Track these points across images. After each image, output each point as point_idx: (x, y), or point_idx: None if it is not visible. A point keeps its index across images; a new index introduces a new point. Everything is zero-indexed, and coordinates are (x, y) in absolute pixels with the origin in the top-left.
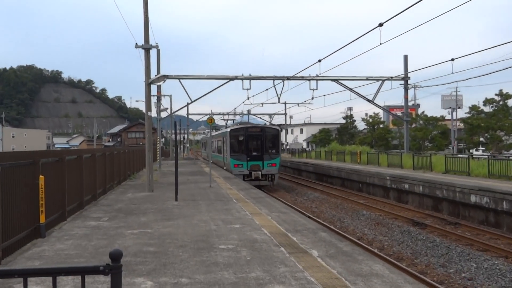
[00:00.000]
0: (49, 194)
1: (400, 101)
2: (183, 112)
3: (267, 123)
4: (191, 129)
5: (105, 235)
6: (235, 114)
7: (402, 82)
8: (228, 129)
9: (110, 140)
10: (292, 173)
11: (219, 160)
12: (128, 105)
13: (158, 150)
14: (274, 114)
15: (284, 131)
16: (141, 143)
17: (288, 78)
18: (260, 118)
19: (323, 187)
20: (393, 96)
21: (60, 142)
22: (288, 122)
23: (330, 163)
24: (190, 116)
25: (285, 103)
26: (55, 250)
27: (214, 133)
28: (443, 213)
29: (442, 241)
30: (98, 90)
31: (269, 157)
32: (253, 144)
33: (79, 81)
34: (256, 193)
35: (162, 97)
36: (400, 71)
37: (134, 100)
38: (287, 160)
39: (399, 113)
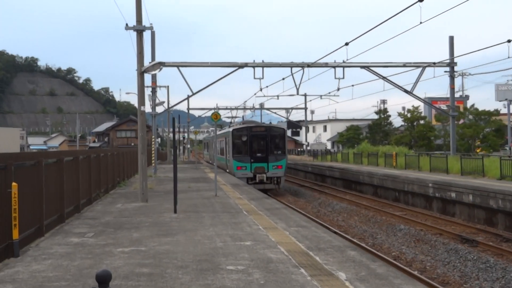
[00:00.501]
0: (23, 205)
1: (445, 92)
2: (183, 107)
3: (284, 120)
4: (192, 127)
5: (91, 253)
6: (245, 108)
7: (447, 69)
8: (231, 129)
9: (96, 140)
10: (314, 179)
11: (221, 163)
12: (117, 98)
13: (153, 152)
14: (292, 108)
15: (304, 128)
16: (132, 144)
17: (309, 65)
18: (276, 113)
19: (352, 196)
20: (436, 86)
21: (36, 143)
22: (308, 118)
23: (360, 167)
24: (191, 111)
25: (305, 95)
26: (31, 271)
27: (217, 132)
28: (498, 227)
29: (497, 261)
30: (81, 81)
31: (275, 159)
32: (258, 145)
33: (59, 69)
34: (271, 204)
35: (158, 89)
36: (444, 56)
37: (124, 92)
38: (308, 164)
39: (443, 107)
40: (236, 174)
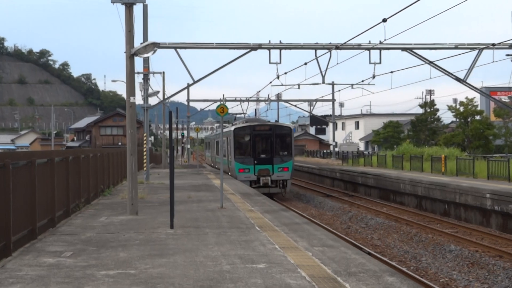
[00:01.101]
0: None
1: (506, 81)
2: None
3: (306, 114)
4: (194, 123)
5: (69, 277)
6: (258, 100)
7: (510, 51)
8: (232, 128)
9: (75, 138)
10: (343, 187)
11: (223, 165)
12: (101, 87)
13: (145, 153)
14: (316, 100)
15: (331, 125)
16: (120, 143)
17: (338, 47)
18: (296, 106)
19: (390, 208)
20: (495, 73)
21: (2, 142)
22: (337, 112)
23: (400, 173)
24: (192, 104)
25: (332, 84)
26: None
27: (218, 130)
28: None
29: None
30: (57, 66)
31: (280, 160)
32: (261, 145)
33: (30, 52)
34: (290, 217)
35: (151, 76)
36: (506, 36)
37: (110, 80)
38: (335, 169)
39: (505, 98)
40: (238, 177)
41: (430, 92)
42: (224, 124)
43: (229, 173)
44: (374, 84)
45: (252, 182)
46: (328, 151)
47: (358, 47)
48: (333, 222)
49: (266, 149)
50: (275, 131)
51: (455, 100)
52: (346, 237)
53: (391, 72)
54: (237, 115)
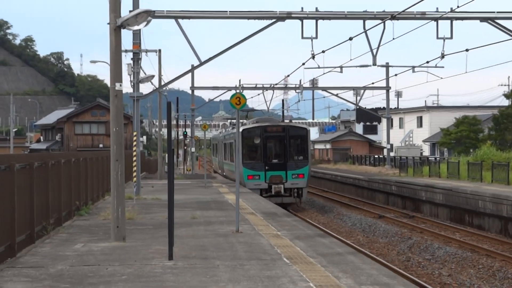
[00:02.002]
0: None
1: None
2: (184, 85)
3: (350, 107)
4: (200, 118)
5: None
6: (286, 88)
7: None
8: (240, 129)
9: (42, 138)
10: (401, 205)
11: (231, 171)
12: (76, 70)
13: (135, 158)
14: (365, 87)
15: (385, 121)
16: (101, 145)
17: (394, 16)
18: (337, 96)
19: (465, 234)
20: None
21: None
22: (393, 105)
23: (479, 187)
24: (198, 92)
25: (386, 66)
26: None
27: (225, 131)
28: None
29: None
30: (18, 42)
31: (295, 166)
32: (274, 149)
33: None
34: (329, 246)
35: (144, 55)
36: None
37: (87, 60)
38: (390, 181)
39: None
40: (246, 185)
41: None
42: (240, 121)
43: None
44: (443, 67)
45: (263, 191)
46: (381, 156)
47: (422, 16)
48: (387, 253)
49: (278, 153)
50: (289, 133)
51: None
52: (406, 272)
53: (466, 50)
54: (256, 109)
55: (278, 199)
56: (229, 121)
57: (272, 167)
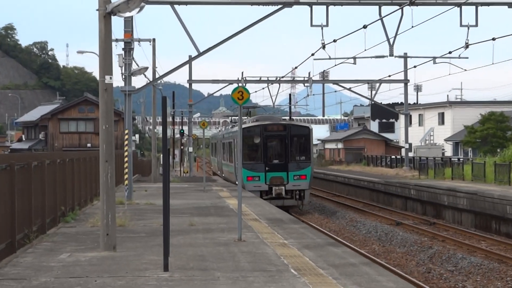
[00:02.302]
0: None
1: None
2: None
3: (365, 102)
4: (198, 115)
5: None
6: (293, 80)
7: None
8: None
9: (24, 137)
10: (421, 211)
11: (229, 172)
12: (62, 61)
13: (126, 159)
14: (381, 80)
15: (402, 118)
16: (89, 145)
17: (412, 2)
18: (350, 90)
19: (492, 243)
20: None
21: None
22: (411, 100)
23: (507, 190)
24: (196, 86)
25: (404, 57)
26: None
27: (225, 129)
28: None
29: None
30: None
31: (297, 167)
32: (274, 149)
33: None
34: (341, 256)
35: (137, 45)
36: None
37: (74, 51)
38: (409, 184)
39: None
40: (246, 187)
41: None
42: (244, 118)
43: (236, 182)
44: (467, 58)
45: (263, 193)
46: (398, 156)
47: (444, 1)
48: (405, 263)
49: (279, 153)
50: (291, 131)
51: None
52: (426, 285)
53: (493, 39)
54: (259, 106)
55: (279, 201)
56: (230, 118)
57: (273, 168)
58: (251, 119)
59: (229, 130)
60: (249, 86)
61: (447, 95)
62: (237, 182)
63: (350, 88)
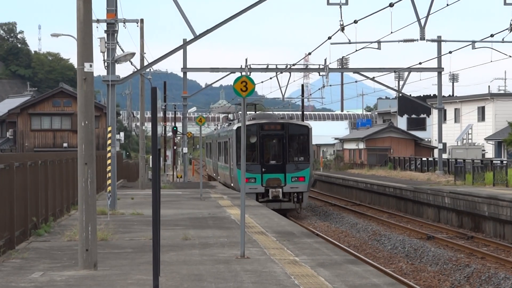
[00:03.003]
0: None
1: None
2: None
3: (391, 94)
4: (194, 109)
5: None
6: (306, 69)
7: None
8: (234, 127)
9: None
10: (457, 223)
11: (225, 173)
12: (34, 46)
13: (109, 162)
14: (410, 69)
15: (435, 113)
16: (65, 145)
17: None
18: (373, 79)
19: None
20: None
21: None
22: (446, 92)
23: None
24: (192, 75)
25: (438, 41)
26: None
27: (220, 128)
28: None
29: None
30: None
31: (295, 168)
32: (271, 149)
33: None
34: (362, 276)
35: (122, 26)
36: None
37: (48, 33)
38: (443, 191)
39: None
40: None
41: None
42: (249, 113)
43: (232, 184)
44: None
45: (259, 195)
46: (430, 159)
47: None
48: (438, 284)
49: (277, 153)
50: (289, 131)
51: None
52: None
53: None
54: (266, 97)
55: (275, 204)
56: (233, 114)
57: (270, 169)
58: (247, 117)
59: (225, 128)
60: (254, 75)
61: (488, 86)
62: (232, 185)
63: (373, 77)
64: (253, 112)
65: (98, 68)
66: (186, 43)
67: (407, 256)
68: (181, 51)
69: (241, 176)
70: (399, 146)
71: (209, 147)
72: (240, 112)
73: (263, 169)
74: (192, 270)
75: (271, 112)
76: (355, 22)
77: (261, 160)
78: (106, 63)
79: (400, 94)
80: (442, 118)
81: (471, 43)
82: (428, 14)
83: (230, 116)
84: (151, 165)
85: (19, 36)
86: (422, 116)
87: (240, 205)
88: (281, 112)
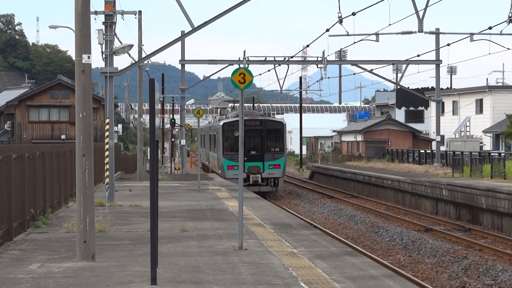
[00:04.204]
0: None
1: None
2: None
3: (389, 87)
4: (192, 101)
5: None
6: (304, 61)
7: None
8: (221, 123)
9: None
10: (455, 215)
11: (214, 162)
12: (32, 38)
13: (107, 154)
14: (408, 61)
15: (433, 106)
16: (63, 137)
17: None
18: (371, 72)
19: None
20: None
21: None
22: (444, 84)
23: None
24: (190, 68)
25: (436, 33)
26: None
27: (213, 122)
28: None
29: None
30: None
31: (272, 157)
32: (251, 141)
33: None
34: (360, 267)
35: (120, 18)
36: None
37: (46, 25)
38: (440, 184)
39: None
40: (226, 175)
41: None
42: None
43: (219, 172)
44: (510, 34)
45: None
46: (428, 151)
47: None
48: (436, 276)
49: (256, 145)
50: (266, 126)
51: None
52: None
53: None
54: (264, 89)
55: (255, 188)
56: (233, 105)
57: (250, 158)
58: (231, 114)
59: (213, 123)
60: (252, 68)
61: (487, 79)
62: (220, 171)
63: (371, 70)
64: (249, 105)
65: (96, 60)
66: (184, 35)
67: (405, 248)
68: (179, 43)
69: (239, 170)
70: (397, 138)
71: (203, 139)
72: (229, 109)
73: (245, 158)
74: (190, 262)
75: (252, 110)
76: (353, 14)
77: (243, 150)
78: (104, 55)
79: (398, 87)
80: (440, 110)
81: (469, 35)
82: (426, 6)
83: (226, 109)
84: (149, 157)
85: (17, 28)
86: (420, 108)
87: (238, 197)
88: (277, 105)
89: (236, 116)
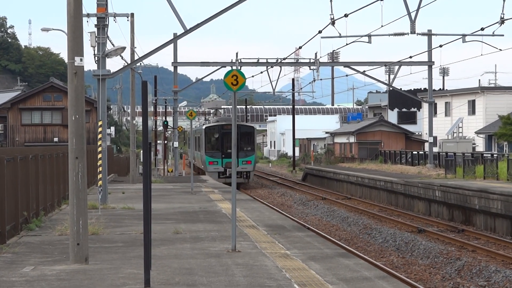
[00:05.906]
0: None
1: None
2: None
3: (382, 88)
4: (185, 103)
5: None
6: (297, 63)
7: None
8: (203, 127)
9: None
10: (448, 216)
11: (198, 159)
12: (24, 41)
13: (100, 156)
14: (400, 62)
15: (426, 107)
16: (56, 139)
17: None
18: (364, 73)
19: None
20: None
21: None
22: (436, 85)
23: None
24: (183, 70)
25: (428, 35)
26: None
27: (198, 126)
28: None
29: None
30: None
31: (244, 155)
32: (228, 142)
33: None
34: (354, 269)
35: (112, 20)
36: None
37: (38, 28)
38: (433, 185)
39: None
40: (208, 169)
41: None
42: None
43: (202, 167)
44: (502, 35)
45: (220, 173)
46: (421, 152)
47: None
48: (429, 277)
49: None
50: (240, 130)
51: None
52: None
53: None
54: (257, 91)
55: (231, 179)
56: (224, 106)
57: (227, 155)
58: (213, 120)
59: (198, 127)
60: (244, 70)
61: (479, 80)
62: (202, 167)
63: (364, 71)
64: (241, 107)
65: (88, 62)
66: (176, 37)
67: (398, 249)
68: (172, 45)
69: (232, 170)
70: (389, 139)
71: (192, 140)
72: (211, 115)
73: (222, 156)
74: (183, 264)
75: (228, 116)
76: (346, 16)
77: (222, 149)
78: (96, 58)
79: (391, 88)
80: (433, 111)
81: (461, 36)
82: (419, 7)
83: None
84: (142, 160)
85: (9, 30)
86: (412, 109)
87: (231, 199)
88: (270, 106)
89: (217, 122)
